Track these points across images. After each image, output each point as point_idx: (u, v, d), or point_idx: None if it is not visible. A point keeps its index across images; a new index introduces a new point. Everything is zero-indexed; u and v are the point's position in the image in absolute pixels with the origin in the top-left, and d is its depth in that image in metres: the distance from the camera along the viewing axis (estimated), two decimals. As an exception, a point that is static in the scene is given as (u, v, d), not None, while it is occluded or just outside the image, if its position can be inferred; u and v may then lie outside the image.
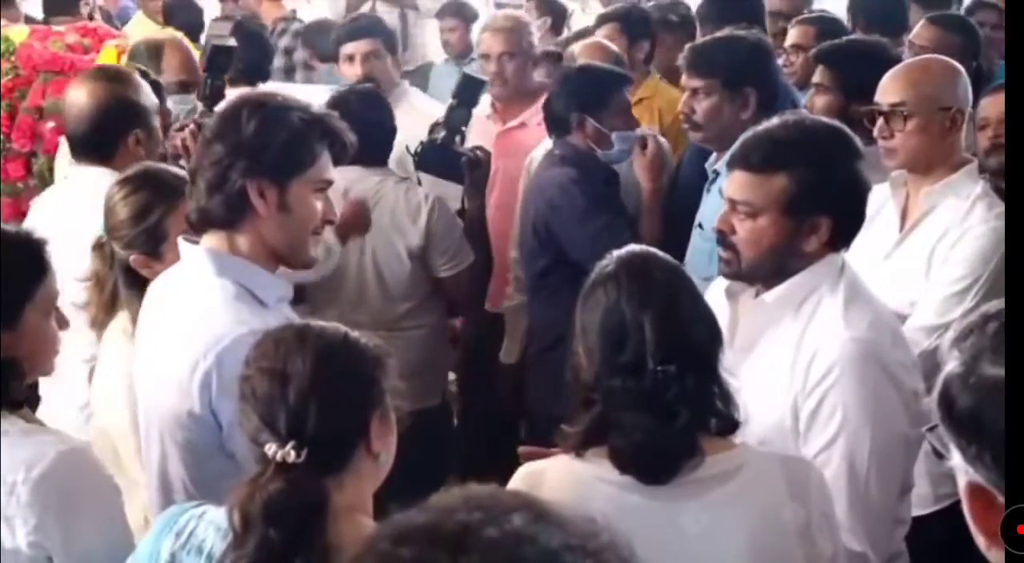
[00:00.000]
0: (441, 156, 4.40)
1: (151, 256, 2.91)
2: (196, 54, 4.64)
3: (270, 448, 2.03)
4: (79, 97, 3.52)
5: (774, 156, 2.60)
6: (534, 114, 4.74)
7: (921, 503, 2.90)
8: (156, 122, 3.64)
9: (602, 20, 5.39)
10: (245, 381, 2.10)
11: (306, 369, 2.05)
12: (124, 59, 4.75)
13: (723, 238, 2.65)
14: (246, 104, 2.64)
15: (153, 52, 4.41)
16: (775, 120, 2.70)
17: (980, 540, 1.33)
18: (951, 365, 1.34)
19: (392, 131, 4.31)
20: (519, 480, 2.30)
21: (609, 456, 2.22)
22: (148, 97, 3.63)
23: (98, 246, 2.99)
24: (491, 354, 4.73)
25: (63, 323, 2.46)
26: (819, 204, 2.59)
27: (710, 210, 3.69)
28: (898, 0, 5.78)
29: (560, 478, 2.25)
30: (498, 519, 1.06)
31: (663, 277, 2.29)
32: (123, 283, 2.94)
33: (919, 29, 4.71)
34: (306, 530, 2.00)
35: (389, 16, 7.54)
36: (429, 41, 8.06)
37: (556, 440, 2.31)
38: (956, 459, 1.34)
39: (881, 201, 3.42)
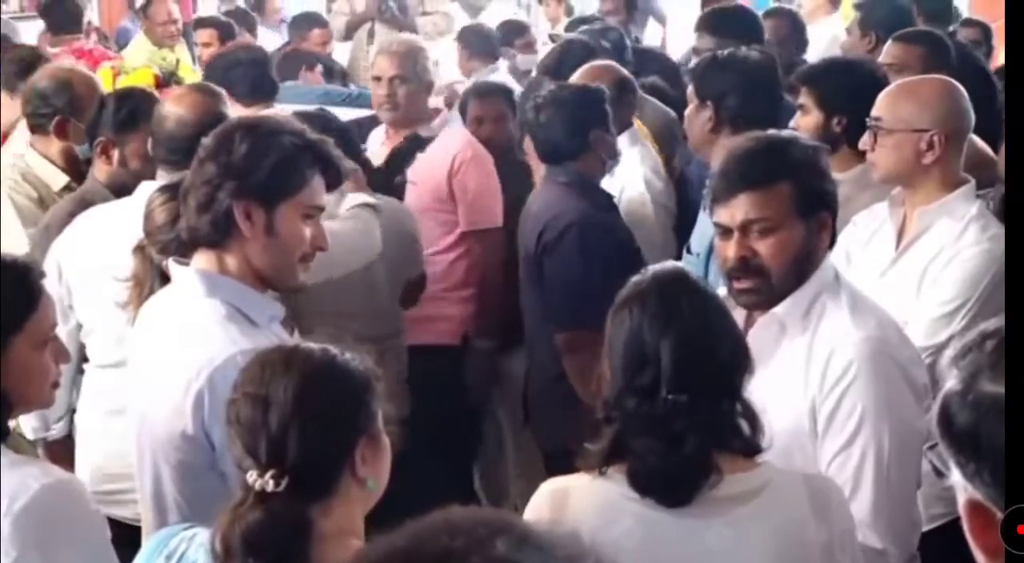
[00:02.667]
0: (379, 181, 4.37)
1: (185, 263, 2.92)
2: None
3: (251, 476, 2.01)
4: (175, 111, 3.48)
5: (771, 167, 2.67)
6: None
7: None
8: None
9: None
10: (231, 405, 2.08)
11: (288, 395, 2.02)
12: (119, 81, 4.70)
13: (745, 265, 2.65)
14: (240, 126, 2.65)
15: (63, 85, 4.09)
16: (742, 143, 2.78)
17: (980, 557, 1.32)
18: (950, 383, 1.33)
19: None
20: (544, 498, 2.31)
21: (628, 477, 2.23)
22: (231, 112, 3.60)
23: (138, 249, 3.00)
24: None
25: (61, 356, 2.40)
26: (818, 199, 2.69)
27: (699, 234, 3.74)
28: (906, 14, 5.77)
29: (585, 497, 2.26)
30: (482, 544, 1.04)
31: (691, 301, 2.29)
32: (159, 286, 2.93)
33: (886, 48, 4.67)
34: (287, 558, 1.98)
35: (387, 38, 7.53)
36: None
37: (577, 461, 2.31)
38: (955, 476, 1.32)
39: (880, 220, 3.42)
